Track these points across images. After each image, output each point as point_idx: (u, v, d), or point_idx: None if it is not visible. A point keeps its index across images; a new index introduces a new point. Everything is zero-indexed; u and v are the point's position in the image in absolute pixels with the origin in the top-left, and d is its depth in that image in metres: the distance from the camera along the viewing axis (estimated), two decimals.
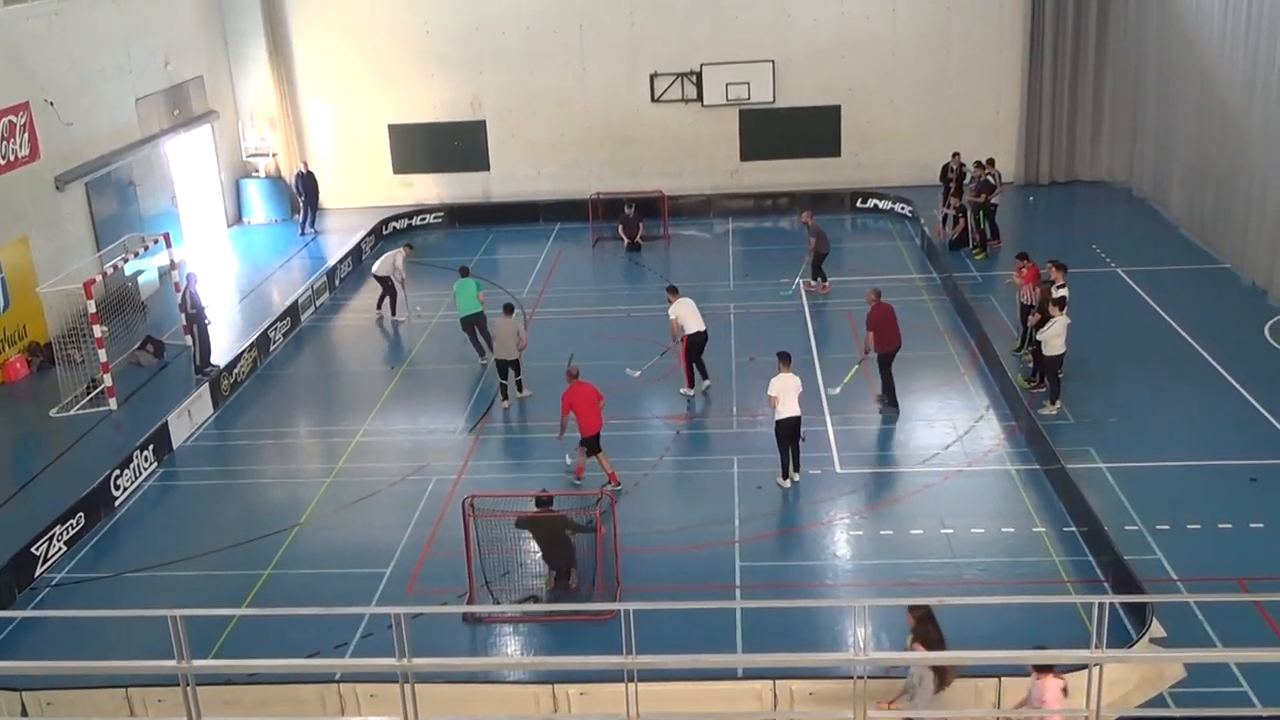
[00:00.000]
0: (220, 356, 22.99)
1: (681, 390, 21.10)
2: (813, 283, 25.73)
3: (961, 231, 27.69)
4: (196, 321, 22.72)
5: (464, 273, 23.01)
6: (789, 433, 17.39)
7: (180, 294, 23.23)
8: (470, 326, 22.52)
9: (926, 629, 11.66)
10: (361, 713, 12.92)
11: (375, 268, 25.71)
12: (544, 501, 15.26)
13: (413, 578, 15.84)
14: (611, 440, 19.10)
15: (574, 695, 12.79)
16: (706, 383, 21.14)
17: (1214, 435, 18.48)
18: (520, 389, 21.09)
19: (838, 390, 20.13)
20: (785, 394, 17.18)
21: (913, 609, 11.81)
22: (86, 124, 25.88)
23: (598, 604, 14.46)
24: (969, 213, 27.47)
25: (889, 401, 19.85)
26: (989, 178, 27.47)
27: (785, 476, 17.60)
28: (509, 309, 20.99)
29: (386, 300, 25.41)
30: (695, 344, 20.72)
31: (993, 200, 27.45)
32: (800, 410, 17.39)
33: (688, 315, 20.69)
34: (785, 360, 17.50)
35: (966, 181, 28.15)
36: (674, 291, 21.31)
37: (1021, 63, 32.34)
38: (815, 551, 16.12)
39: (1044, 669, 10.98)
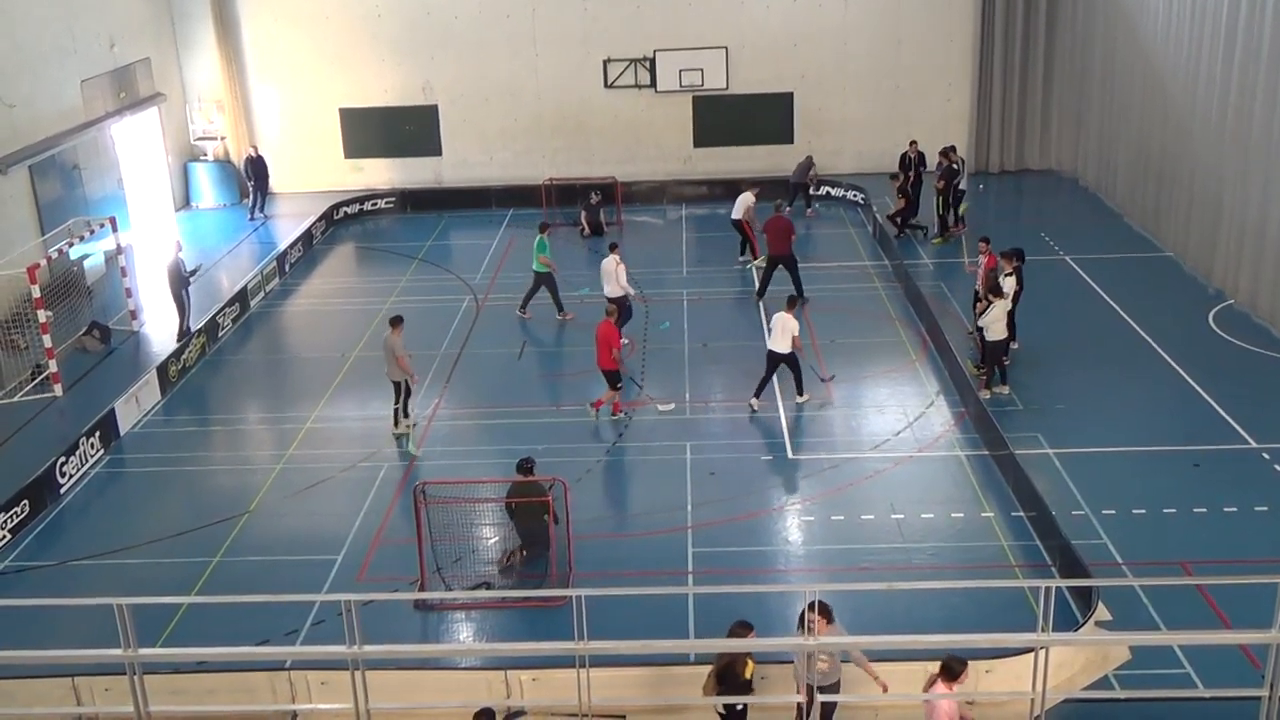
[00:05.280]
0: (169, 341, 22.77)
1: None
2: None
3: (901, 210, 27.97)
4: (185, 286, 23.10)
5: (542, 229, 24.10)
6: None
7: (171, 261, 23.40)
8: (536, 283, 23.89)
9: None
10: (312, 700, 12.85)
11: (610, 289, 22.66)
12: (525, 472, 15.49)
13: (364, 565, 15.76)
14: (564, 427, 19.17)
15: (526, 681, 12.80)
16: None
17: (1159, 421, 18.75)
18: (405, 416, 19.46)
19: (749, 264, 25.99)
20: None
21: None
22: (29, 106, 25.41)
23: (550, 590, 14.46)
24: (936, 198, 27.64)
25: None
26: (953, 165, 27.55)
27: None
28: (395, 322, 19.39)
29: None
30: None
31: (957, 187, 27.56)
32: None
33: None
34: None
35: (931, 169, 28.24)
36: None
37: (972, 53, 32.62)
38: (767, 537, 16.20)
39: (949, 675, 10.71)
